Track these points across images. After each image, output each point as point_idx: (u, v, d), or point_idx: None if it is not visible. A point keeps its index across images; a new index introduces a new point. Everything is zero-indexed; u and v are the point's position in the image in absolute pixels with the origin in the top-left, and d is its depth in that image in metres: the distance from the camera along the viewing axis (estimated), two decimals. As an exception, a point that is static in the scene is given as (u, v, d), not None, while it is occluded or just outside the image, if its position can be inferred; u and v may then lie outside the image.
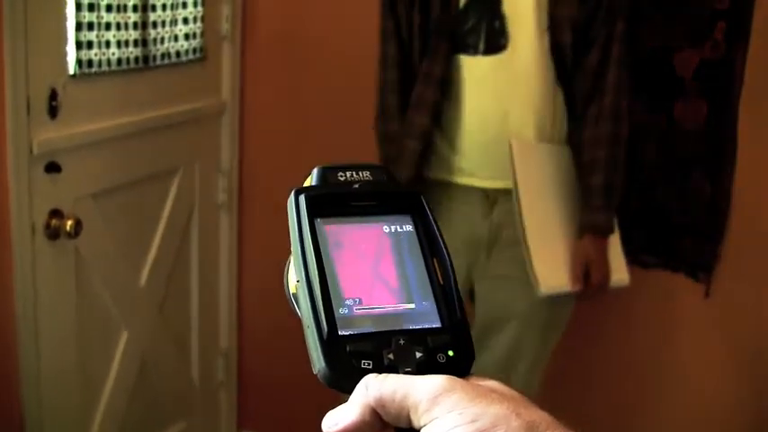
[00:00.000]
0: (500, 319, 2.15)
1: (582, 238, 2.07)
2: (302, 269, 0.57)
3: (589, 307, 2.46)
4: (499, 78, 2.04)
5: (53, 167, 2.08)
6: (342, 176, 0.62)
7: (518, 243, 2.07)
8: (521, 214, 2.04)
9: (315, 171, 0.62)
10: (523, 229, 2.04)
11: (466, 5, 2.04)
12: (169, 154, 2.53)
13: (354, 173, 0.62)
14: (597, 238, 2.07)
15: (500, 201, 2.10)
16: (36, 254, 2.07)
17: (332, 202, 0.60)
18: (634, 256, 2.34)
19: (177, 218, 2.57)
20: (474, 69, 2.05)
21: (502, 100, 2.04)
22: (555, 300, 2.10)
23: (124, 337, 2.41)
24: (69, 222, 2.10)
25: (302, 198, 0.59)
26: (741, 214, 2.25)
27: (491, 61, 2.04)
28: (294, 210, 0.59)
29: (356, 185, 0.61)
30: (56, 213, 2.10)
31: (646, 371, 2.47)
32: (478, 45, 2.04)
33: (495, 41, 2.03)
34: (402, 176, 2.05)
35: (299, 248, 0.58)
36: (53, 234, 2.09)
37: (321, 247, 0.58)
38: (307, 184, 0.62)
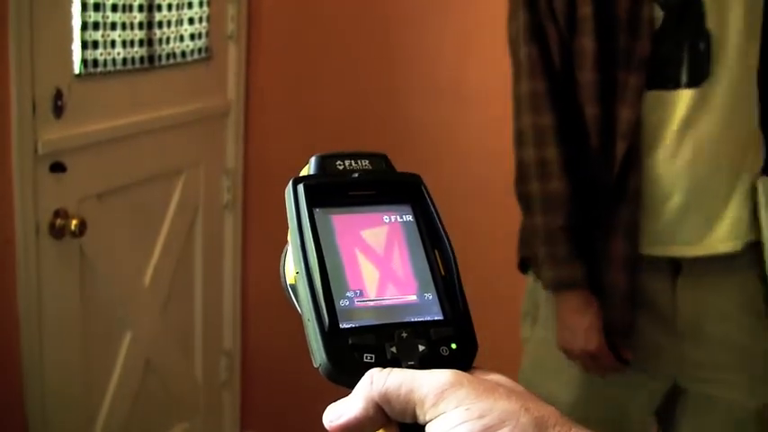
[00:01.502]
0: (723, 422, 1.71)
1: None
2: (301, 260, 0.55)
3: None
4: (705, 115, 1.59)
5: (58, 167, 2.08)
6: (340, 165, 0.60)
7: (727, 320, 1.66)
8: None
9: (312, 160, 0.60)
10: None
11: (662, 26, 1.58)
12: (174, 154, 2.53)
13: (353, 161, 0.60)
14: None
15: (686, 270, 1.65)
16: (40, 253, 2.07)
17: (331, 191, 0.59)
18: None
19: (182, 218, 2.57)
20: (672, 107, 1.59)
21: (710, 141, 1.60)
22: None
23: (128, 336, 2.41)
24: (74, 222, 2.10)
25: (300, 187, 0.58)
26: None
27: (694, 95, 1.58)
28: (292, 199, 0.58)
29: (355, 174, 0.60)
30: (60, 213, 2.10)
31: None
32: (680, 76, 1.58)
33: (700, 69, 1.58)
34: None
35: (298, 239, 0.56)
36: (58, 234, 2.09)
37: (321, 238, 0.56)
38: (304, 172, 0.60)
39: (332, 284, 0.55)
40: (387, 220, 0.59)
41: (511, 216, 2.48)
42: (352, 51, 2.63)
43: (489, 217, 2.45)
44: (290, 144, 2.74)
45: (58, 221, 2.09)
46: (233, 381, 2.91)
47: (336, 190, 0.59)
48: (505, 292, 2.26)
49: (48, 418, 2.16)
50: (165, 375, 2.60)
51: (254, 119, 2.77)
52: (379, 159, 0.62)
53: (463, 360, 0.54)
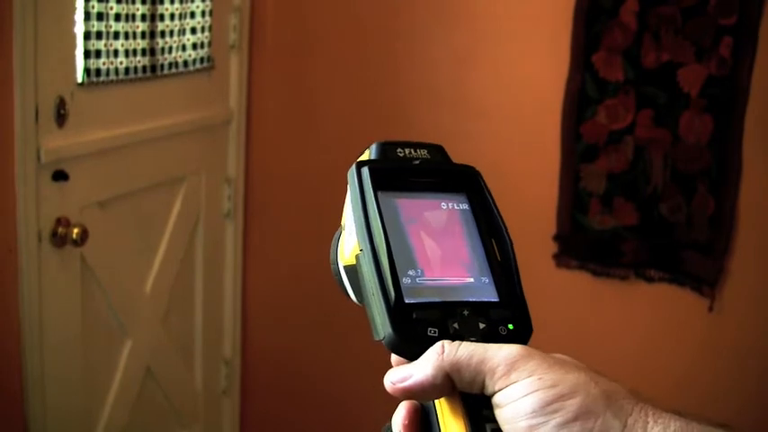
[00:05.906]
0: None
1: None
2: (366, 238, 0.58)
3: (593, 322, 2.47)
4: None
5: (60, 175, 2.09)
6: (401, 152, 0.63)
7: None
8: None
9: (373, 146, 0.64)
10: None
11: None
12: (176, 163, 2.54)
13: (413, 150, 0.64)
14: None
15: None
16: (42, 261, 2.07)
17: (392, 176, 0.62)
18: (639, 271, 2.34)
19: (183, 227, 2.58)
20: None
21: None
22: None
23: (128, 345, 2.42)
24: (75, 230, 2.11)
25: (365, 170, 0.60)
26: (748, 229, 2.25)
27: None
28: (356, 181, 0.60)
29: (417, 161, 0.63)
30: (62, 221, 2.10)
31: (649, 385, 2.47)
32: None
33: None
34: None
35: (363, 218, 0.59)
36: (59, 242, 2.10)
37: (384, 218, 0.59)
38: (364, 157, 0.63)
39: (396, 262, 0.57)
40: (444, 207, 0.62)
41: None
42: (353, 61, 2.65)
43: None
44: (292, 153, 2.75)
45: (60, 229, 2.10)
46: (233, 389, 2.91)
47: (398, 175, 0.62)
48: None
49: (48, 426, 2.16)
50: (165, 383, 2.60)
51: (256, 128, 2.78)
52: (437, 150, 0.65)
53: (520, 340, 0.57)
